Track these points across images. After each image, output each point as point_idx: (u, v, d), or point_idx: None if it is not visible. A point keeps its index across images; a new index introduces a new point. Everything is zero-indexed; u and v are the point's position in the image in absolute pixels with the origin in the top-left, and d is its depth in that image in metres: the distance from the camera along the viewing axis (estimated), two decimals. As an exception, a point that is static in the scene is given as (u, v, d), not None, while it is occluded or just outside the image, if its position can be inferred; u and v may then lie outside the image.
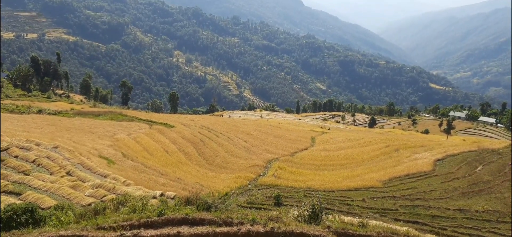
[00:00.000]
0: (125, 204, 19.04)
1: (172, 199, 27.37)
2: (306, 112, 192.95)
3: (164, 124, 62.10)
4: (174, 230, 13.11)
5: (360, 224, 15.56)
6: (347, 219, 19.41)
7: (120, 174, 33.19)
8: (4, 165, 30.41)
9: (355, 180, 42.55)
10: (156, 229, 13.17)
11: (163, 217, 13.97)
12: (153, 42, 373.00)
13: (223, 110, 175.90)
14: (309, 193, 35.97)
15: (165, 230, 13.05)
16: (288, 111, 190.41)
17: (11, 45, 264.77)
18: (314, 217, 17.05)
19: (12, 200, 23.00)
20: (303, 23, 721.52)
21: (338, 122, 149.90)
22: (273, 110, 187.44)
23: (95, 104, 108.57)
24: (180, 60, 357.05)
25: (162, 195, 28.59)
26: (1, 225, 14.32)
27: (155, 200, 25.34)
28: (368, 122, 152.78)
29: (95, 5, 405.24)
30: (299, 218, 16.93)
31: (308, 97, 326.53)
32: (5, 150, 33.11)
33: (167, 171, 39.58)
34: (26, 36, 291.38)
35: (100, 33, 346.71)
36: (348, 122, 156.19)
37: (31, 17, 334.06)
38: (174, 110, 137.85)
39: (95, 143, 43.17)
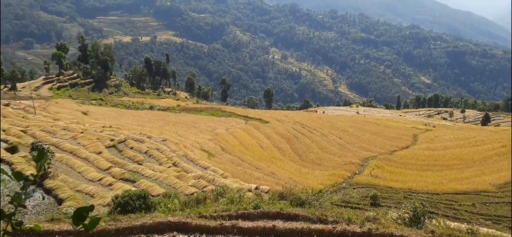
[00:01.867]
0: (223, 195, 20.25)
1: (266, 193, 28.22)
2: (407, 108, 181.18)
3: (259, 119, 63.98)
4: (270, 223, 13.55)
5: (469, 231, 14.33)
6: (453, 225, 18.03)
7: (219, 166, 35.25)
8: (122, 155, 34.47)
9: (464, 183, 39.04)
10: (253, 221, 13.73)
11: (258, 210, 14.53)
12: (251, 40, 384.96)
13: (317, 106, 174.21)
14: (409, 195, 34.04)
15: (261, 223, 13.55)
16: (387, 107, 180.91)
17: (129, 48, 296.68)
18: (415, 221, 16.12)
19: (128, 186, 25.99)
20: (407, 13, 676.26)
21: (444, 119, 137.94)
22: (371, 106, 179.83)
23: (198, 101, 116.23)
24: (275, 56, 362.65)
25: (257, 188, 29.64)
26: (119, 209, 16.38)
27: (250, 193, 26.44)
28: (480, 119, 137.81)
29: (200, 7, 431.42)
30: (399, 221, 16.17)
31: (410, 92, 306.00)
32: (123, 141, 37.46)
33: (261, 165, 40.83)
34: (141, 39, 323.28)
35: (203, 34, 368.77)
36: (456, 119, 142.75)
37: (145, 22, 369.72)
38: (269, 106, 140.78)
39: (197, 137, 46.37)
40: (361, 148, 56.90)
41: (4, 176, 1.15)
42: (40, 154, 1.34)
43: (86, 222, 1.10)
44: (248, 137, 52.20)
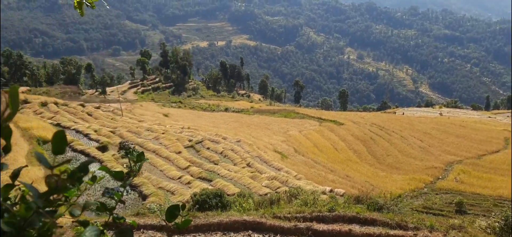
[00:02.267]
0: (297, 196, 20.14)
1: (341, 196, 27.54)
2: (498, 109, 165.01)
3: (334, 121, 62.71)
4: (345, 227, 13.17)
5: None
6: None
7: (292, 168, 35.18)
8: (199, 155, 36.00)
9: None
10: (327, 224, 13.45)
11: (333, 213, 14.19)
12: (325, 41, 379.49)
13: (396, 107, 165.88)
14: (500, 202, 30.99)
15: (336, 226, 13.23)
16: (474, 108, 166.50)
17: (205, 52, 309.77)
18: (507, 231, 14.59)
19: (205, 185, 27.04)
20: (497, 6, 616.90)
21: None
22: (456, 107, 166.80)
23: (271, 103, 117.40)
24: (351, 57, 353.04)
25: (331, 191, 29.05)
26: (198, 206, 17.08)
27: (324, 196, 25.98)
28: None
29: (274, 10, 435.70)
30: (488, 230, 14.75)
31: (501, 92, 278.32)
32: (200, 142, 39.10)
33: (336, 167, 39.96)
34: (217, 43, 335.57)
35: (276, 36, 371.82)
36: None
37: (221, 27, 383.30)
38: (343, 107, 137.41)
39: (270, 138, 46.79)
40: (444, 152, 53.07)
41: (102, 173, 1.23)
42: (139, 155, 1.43)
43: (179, 221, 1.14)
44: (322, 139, 51.45)
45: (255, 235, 11.90)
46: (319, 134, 53.48)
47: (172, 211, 1.16)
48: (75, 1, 4.82)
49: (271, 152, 40.42)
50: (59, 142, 0.95)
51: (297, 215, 13.73)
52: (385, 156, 49.70)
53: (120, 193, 1.28)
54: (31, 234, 0.92)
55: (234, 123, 57.82)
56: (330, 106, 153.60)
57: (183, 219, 1.16)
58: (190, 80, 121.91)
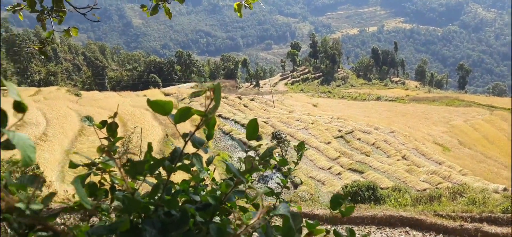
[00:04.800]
0: (462, 194, 18.02)
1: (520, 197, 23.39)
2: None
3: (508, 109, 53.59)
4: (524, 233, 11.21)
5: None
6: None
7: (455, 162, 31.51)
8: (349, 145, 35.31)
9: None
10: (501, 226, 11.68)
11: (508, 215, 12.24)
12: (497, 17, 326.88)
13: None
14: None
15: (512, 231, 11.39)
16: None
17: (355, 40, 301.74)
18: None
19: (356, 177, 26.41)
20: None
21: None
22: None
23: (430, 90, 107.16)
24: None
25: (505, 189, 24.95)
26: (349, 198, 16.80)
27: (497, 195, 22.48)
28: None
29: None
30: None
31: None
32: (350, 132, 38.30)
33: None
34: (368, 30, 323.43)
35: (436, 16, 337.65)
36: None
37: (372, 12, 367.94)
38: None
39: (429, 129, 42.78)
40: None
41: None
42: (300, 145, 1.46)
43: (343, 208, 1.12)
44: (494, 130, 44.60)
45: (414, 232, 11.05)
46: (490, 123, 46.47)
47: (337, 199, 1.15)
48: (235, 5, 5.18)
49: (430, 143, 36.95)
50: (253, 129, 1.08)
51: (463, 214, 12.26)
52: None
53: (285, 180, 1.32)
54: (227, 207, 1.10)
55: (387, 112, 54.79)
56: (503, 92, 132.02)
57: (346, 207, 1.14)
58: (339, 69, 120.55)
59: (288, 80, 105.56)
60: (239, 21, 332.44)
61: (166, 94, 63.85)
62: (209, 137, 1.02)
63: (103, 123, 1.30)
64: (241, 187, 1.11)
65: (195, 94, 0.96)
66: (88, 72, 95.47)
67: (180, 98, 58.05)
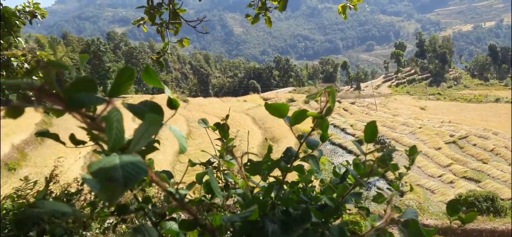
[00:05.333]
0: None
1: None
2: None
3: None
4: None
5: None
6: None
7: None
8: (463, 152, 32.11)
9: None
10: None
11: None
12: None
13: None
14: None
15: None
16: None
17: (469, 37, 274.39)
18: None
19: (472, 186, 23.90)
20: None
21: None
22: None
23: None
24: None
25: None
26: (465, 208, 15.29)
27: None
28: None
29: None
30: None
31: None
32: (464, 137, 34.83)
33: None
34: (484, 25, 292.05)
35: None
36: None
37: (488, 5, 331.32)
38: None
39: None
40: None
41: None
42: (412, 149, 1.38)
43: (463, 215, 1.10)
44: None
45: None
46: None
47: (455, 205, 1.09)
48: (339, 7, 5.09)
49: None
50: (371, 131, 1.06)
51: None
52: None
53: (396, 185, 1.27)
54: (344, 208, 1.10)
55: (508, 116, 48.56)
56: None
57: (467, 215, 1.04)
58: (450, 69, 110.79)
59: (392, 82, 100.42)
60: (338, 23, 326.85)
61: (265, 99, 65.56)
62: (323, 138, 1.03)
63: (217, 125, 1.40)
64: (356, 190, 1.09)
65: (310, 97, 0.98)
66: (194, 80, 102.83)
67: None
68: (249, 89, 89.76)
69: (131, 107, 0.62)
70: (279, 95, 70.19)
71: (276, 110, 0.94)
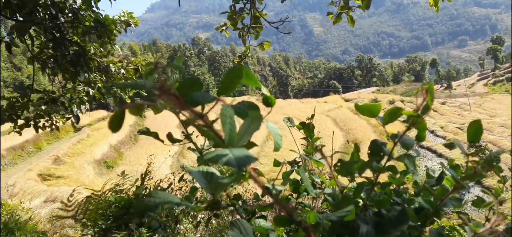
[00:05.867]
0: None
1: None
2: None
3: None
4: None
5: None
6: None
7: None
8: None
9: None
10: None
11: None
12: None
13: None
14: None
15: None
16: None
17: None
18: None
19: None
20: None
21: None
22: None
23: None
24: None
25: None
26: None
27: None
28: None
29: None
30: None
31: None
32: None
33: None
34: None
35: None
36: None
37: None
38: None
39: None
40: None
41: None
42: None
43: None
44: None
45: None
46: None
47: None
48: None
49: None
50: (475, 131, 1.01)
51: None
52: None
53: (500, 190, 1.18)
54: (442, 211, 1.05)
55: None
56: None
57: None
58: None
59: (489, 80, 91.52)
60: (426, 19, 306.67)
61: (346, 100, 63.88)
62: (420, 138, 0.99)
63: (302, 124, 1.41)
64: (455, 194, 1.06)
65: (406, 94, 0.95)
66: (274, 82, 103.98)
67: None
68: (329, 90, 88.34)
69: (233, 107, 0.64)
70: (362, 95, 67.91)
71: (368, 110, 0.92)
